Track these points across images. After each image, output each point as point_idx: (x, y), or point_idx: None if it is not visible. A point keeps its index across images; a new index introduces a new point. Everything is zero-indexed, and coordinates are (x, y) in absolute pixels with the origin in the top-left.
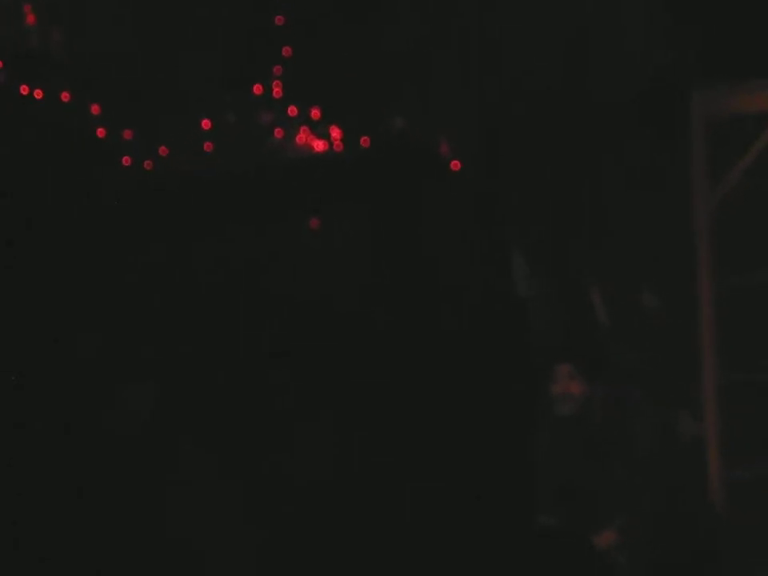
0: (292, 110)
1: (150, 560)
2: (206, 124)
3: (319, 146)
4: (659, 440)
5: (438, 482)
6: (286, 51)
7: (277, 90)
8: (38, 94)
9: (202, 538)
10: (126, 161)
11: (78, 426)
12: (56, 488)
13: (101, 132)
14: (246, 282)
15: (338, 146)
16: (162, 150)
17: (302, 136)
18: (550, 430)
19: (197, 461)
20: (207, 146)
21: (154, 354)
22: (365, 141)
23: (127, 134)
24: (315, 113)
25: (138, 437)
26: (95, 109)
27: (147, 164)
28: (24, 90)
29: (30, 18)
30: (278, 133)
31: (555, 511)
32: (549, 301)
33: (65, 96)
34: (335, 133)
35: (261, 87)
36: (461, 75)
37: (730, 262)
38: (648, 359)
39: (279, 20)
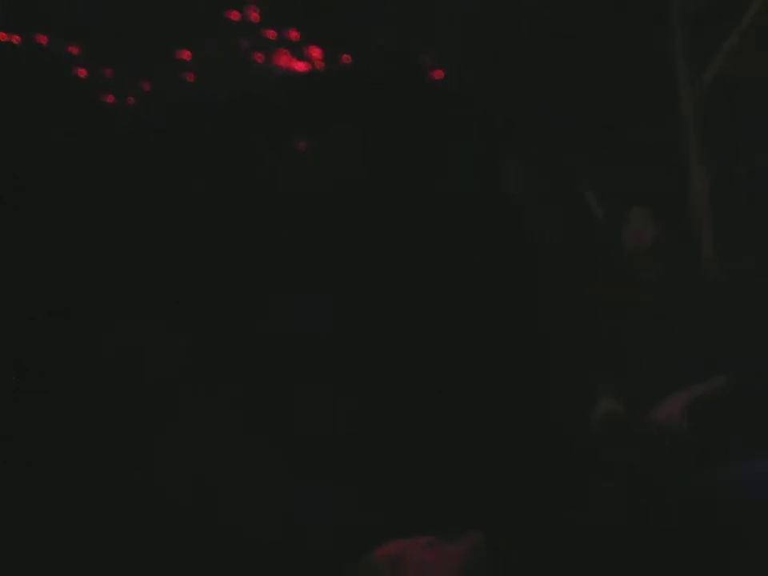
0: (270, 34)
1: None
2: (185, 55)
3: (301, 67)
4: None
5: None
6: None
7: (253, 15)
8: (16, 39)
9: (225, 482)
10: (110, 99)
11: (109, 373)
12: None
13: (82, 72)
14: (241, 210)
15: (320, 65)
16: (145, 86)
17: (283, 59)
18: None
19: (225, 409)
20: (189, 77)
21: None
22: (346, 58)
23: (108, 73)
24: (294, 34)
25: (170, 385)
26: (74, 50)
27: (130, 100)
28: (1, 36)
29: None
30: (258, 57)
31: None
32: (545, 201)
33: (42, 39)
34: (315, 53)
35: (237, 13)
36: None
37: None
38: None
39: None
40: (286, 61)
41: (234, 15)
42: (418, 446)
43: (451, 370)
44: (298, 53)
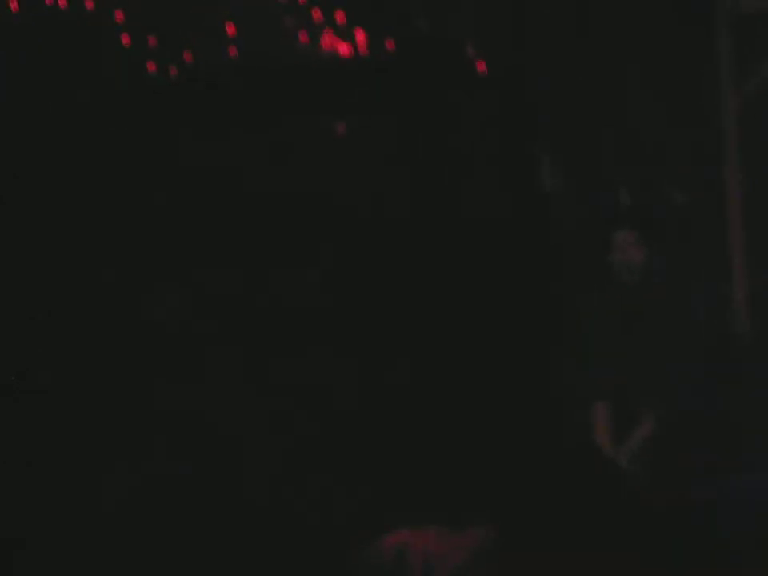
0: (316, 14)
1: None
2: (230, 29)
3: (344, 49)
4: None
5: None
6: None
7: None
8: (63, 2)
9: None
10: (151, 67)
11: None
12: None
13: (125, 39)
14: (273, 189)
15: (363, 49)
16: (187, 57)
17: (327, 40)
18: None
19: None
20: (232, 51)
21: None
22: (390, 44)
23: (151, 41)
24: (339, 16)
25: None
26: (119, 16)
27: (172, 70)
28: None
29: None
30: (303, 37)
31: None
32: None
33: (89, 3)
34: (360, 36)
35: None
36: None
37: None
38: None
39: None
40: (330, 42)
41: None
42: (432, 438)
43: (458, 364)
44: (343, 34)
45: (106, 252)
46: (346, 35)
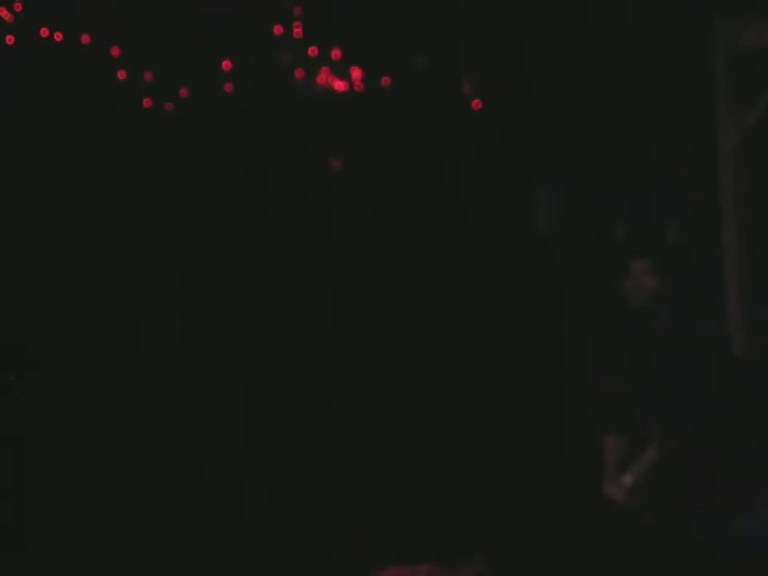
0: (312, 51)
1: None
2: (226, 65)
3: (340, 86)
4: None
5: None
6: None
7: (297, 31)
8: (58, 36)
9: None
10: (147, 103)
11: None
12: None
13: (121, 74)
14: (271, 224)
15: (359, 86)
16: (183, 92)
17: (323, 76)
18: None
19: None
20: (228, 87)
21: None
22: (385, 81)
23: (147, 76)
24: (336, 53)
25: (166, 361)
26: (115, 51)
27: (168, 106)
28: (44, 32)
29: None
30: (299, 73)
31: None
32: (571, 235)
33: (85, 39)
34: (356, 73)
35: (281, 27)
36: (482, 14)
37: (754, 196)
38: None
39: None
40: (326, 78)
41: (278, 29)
42: (428, 474)
43: (461, 397)
44: (339, 71)
45: (108, 269)
46: (343, 72)
